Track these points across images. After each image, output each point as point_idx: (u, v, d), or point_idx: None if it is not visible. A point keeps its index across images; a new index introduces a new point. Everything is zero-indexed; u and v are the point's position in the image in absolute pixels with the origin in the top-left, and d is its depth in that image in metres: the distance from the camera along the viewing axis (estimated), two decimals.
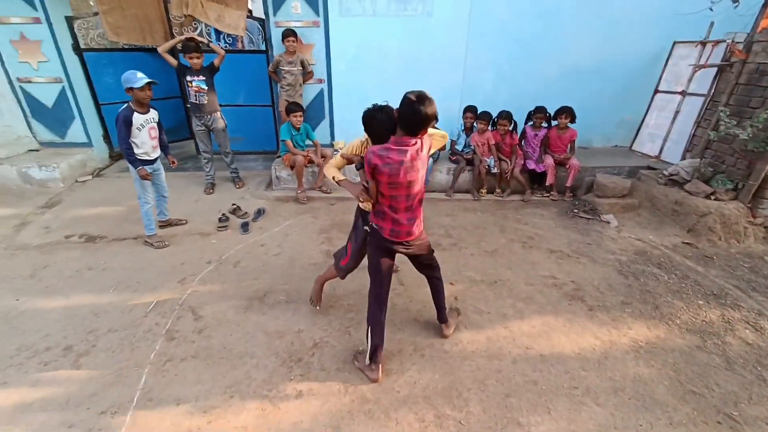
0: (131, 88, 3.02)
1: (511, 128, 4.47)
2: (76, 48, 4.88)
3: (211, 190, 4.63)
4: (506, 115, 4.38)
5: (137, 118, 3.10)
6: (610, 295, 2.86)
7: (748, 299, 2.81)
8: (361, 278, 3.00)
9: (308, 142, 4.59)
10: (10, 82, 4.81)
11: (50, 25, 4.58)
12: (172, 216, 3.83)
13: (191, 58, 4.05)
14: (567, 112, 4.34)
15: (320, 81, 5.01)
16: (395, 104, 1.85)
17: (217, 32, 5.56)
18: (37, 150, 5.10)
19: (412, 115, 1.71)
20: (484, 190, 4.66)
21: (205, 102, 4.24)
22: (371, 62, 4.91)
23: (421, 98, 1.69)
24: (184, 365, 2.22)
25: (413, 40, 4.83)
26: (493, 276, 3.08)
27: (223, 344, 2.37)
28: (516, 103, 4.60)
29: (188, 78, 4.13)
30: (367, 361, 2.13)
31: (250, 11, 6.91)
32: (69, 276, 3.03)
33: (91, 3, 5.94)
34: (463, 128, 4.65)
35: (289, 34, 4.41)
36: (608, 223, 3.98)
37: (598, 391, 2.08)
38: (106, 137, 5.47)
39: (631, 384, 2.12)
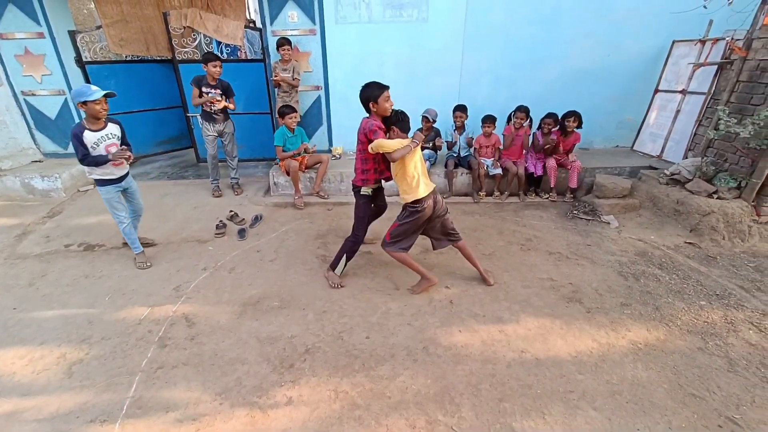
0: (84, 102, 2.69)
1: (526, 124, 4.44)
2: (79, 61, 4.98)
3: (219, 193, 4.67)
4: (524, 109, 4.37)
5: (89, 137, 2.77)
6: (609, 297, 2.80)
7: (753, 299, 2.73)
8: (356, 284, 2.99)
9: None
10: (15, 95, 4.93)
11: (53, 39, 4.70)
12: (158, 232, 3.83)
13: (215, 66, 4.12)
14: (575, 116, 4.30)
15: (317, 88, 5.05)
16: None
17: (218, 42, 5.66)
18: (40, 161, 5.19)
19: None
20: (483, 193, 4.63)
21: (219, 109, 4.35)
22: (368, 69, 4.93)
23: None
24: (175, 372, 2.21)
25: (409, 46, 4.85)
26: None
27: (215, 351, 2.36)
28: (514, 107, 4.58)
29: (204, 90, 4.21)
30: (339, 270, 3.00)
31: (252, 22, 7.04)
32: (66, 284, 3.06)
33: (96, 17, 6.10)
34: (454, 128, 4.63)
35: (283, 43, 4.45)
36: (608, 224, 3.92)
37: (594, 394, 2.02)
38: None
39: (629, 387, 2.06)
